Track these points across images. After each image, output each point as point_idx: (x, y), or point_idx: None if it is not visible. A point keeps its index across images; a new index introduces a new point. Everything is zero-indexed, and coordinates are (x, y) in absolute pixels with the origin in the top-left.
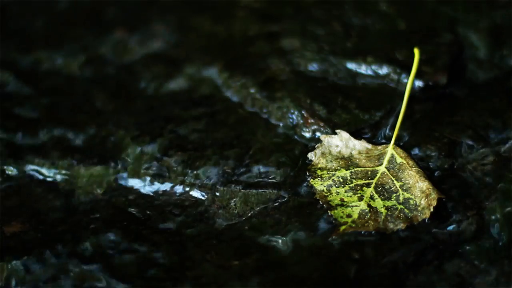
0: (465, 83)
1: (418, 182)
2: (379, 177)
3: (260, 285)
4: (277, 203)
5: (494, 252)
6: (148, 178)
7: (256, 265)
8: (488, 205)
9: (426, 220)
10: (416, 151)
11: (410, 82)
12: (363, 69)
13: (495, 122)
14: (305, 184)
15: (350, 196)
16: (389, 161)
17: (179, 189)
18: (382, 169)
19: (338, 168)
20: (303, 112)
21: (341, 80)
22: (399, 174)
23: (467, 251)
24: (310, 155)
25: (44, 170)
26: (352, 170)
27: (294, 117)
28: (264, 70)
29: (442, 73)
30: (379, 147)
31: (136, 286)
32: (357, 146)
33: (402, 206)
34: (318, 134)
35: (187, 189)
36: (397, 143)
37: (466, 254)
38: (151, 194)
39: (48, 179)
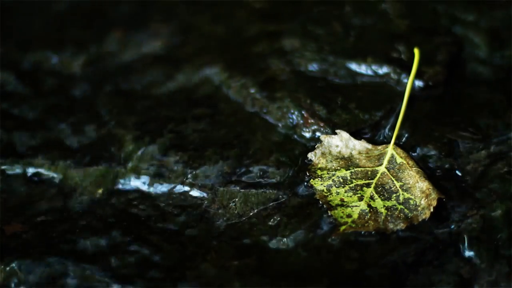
0: (465, 83)
1: (418, 182)
2: (379, 177)
3: (260, 285)
4: (277, 203)
5: (494, 252)
6: (148, 178)
7: (256, 265)
8: (488, 205)
9: (426, 220)
10: (416, 151)
11: (410, 82)
12: (363, 69)
13: (495, 122)
14: (305, 184)
15: (350, 196)
16: (389, 161)
17: (179, 189)
18: (382, 169)
19: (338, 168)
20: (303, 112)
21: (341, 80)
22: (399, 174)
23: (467, 251)
24: (310, 155)
25: (44, 170)
26: (352, 170)
27: (294, 117)
28: (264, 70)
29: (442, 73)
30: (379, 147)
31: (136, 286)
32: (357, 146)
33: (402, 206)
34: (318, 134)
35: (187, 189)
36: (397, 143)
37: (466, 254)
38: (151, 194)
39: (48, 179)
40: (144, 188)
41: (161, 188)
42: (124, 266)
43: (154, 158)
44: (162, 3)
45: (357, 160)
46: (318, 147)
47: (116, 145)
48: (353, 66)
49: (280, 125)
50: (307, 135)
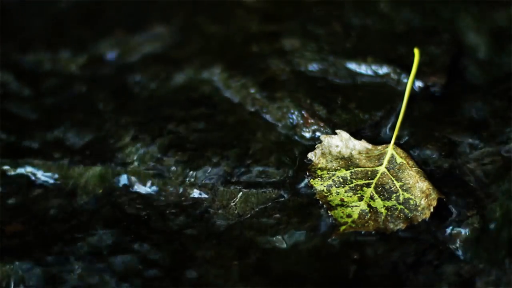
0: (465, 83)
1: (418, 182)
2: (379, 177)
3: (260, 285)
4: (277, 203)
5: (494, 252)
6: (148, 178)
7: (256, 265)
8: (488, 205)
9: (426, 220)
10: (416, 151)
11: (410, 82)
12: (363, 69)
13: (495, 122)
14: (305, 184)
15: (350, 196)
16: (389, 161)
17: (179, 189)
18: (382, 169)
19: (338, 168)
20: (303, 112)
21: (341, 80)
22: (399, 174)
23: (467, 251)
24: (310, 155)
25: (44, 170)
26: (352, 170)
27: (294, 117)
28: (264, 70)
29: (442, 73)
30: (379, 147)
31: (136, 286)
32: (357, 146)
33: (402, 206)
34: (318, 134)
35: (187, 189)
36: (397, 143)
37: (466, 254)
38: (151, 194)
39: (48, 179)
40: (144, 188)
41: (161, 188)
42: (124, 265)
43: (154, 158)
44: (162, 3)
45: (357, 160)
46: (318, 147)
47: (116, 145)
48: (353, 66)
49: (280, 125)
50: (307, 135)
